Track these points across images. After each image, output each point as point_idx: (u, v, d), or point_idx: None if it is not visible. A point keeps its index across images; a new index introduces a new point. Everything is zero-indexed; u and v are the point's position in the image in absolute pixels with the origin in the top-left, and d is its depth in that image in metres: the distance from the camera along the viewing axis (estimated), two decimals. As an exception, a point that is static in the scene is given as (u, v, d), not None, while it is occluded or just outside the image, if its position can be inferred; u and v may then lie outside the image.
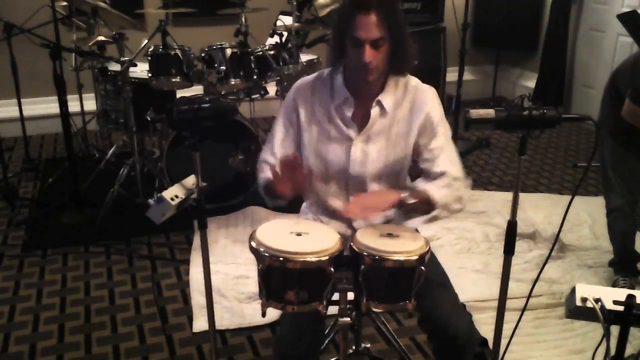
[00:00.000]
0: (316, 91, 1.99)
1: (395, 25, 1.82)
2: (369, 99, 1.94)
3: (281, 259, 1.60)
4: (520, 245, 3.33)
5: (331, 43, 1.96)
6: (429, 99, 1.95)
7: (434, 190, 1.85)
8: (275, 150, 2.00)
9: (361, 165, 1.96)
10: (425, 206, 1.85)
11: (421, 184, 1.90)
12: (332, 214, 2.04)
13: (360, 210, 1.79)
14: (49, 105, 4.72)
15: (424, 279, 1.68)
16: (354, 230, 1.89)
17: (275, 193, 1.86)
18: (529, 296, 1.90)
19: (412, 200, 1.82)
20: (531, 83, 5.90)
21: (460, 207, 1.91)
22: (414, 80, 1.99)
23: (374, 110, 1.94)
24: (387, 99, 1.94)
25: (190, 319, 2.77)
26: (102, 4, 3.72)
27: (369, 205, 1.80)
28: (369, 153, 1.95)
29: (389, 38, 1.82)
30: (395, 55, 1.86)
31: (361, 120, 1.96)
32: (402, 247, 1.67)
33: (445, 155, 1.93)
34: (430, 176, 1.93)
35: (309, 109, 1.98)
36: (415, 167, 2.02)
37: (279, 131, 2.01)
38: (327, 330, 2.21)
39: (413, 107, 1.95)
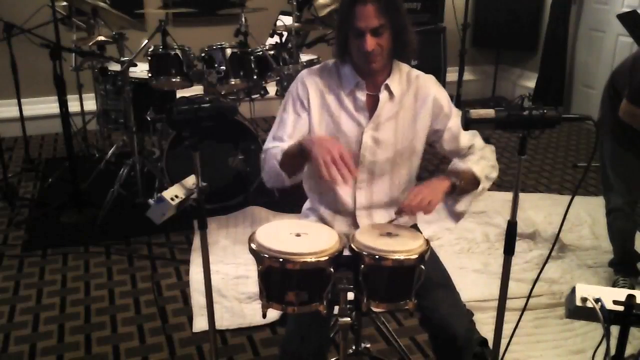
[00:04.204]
0: (324, 79, 2.00)
1: (395, 12, 1.85)
2: (377, 87, 1.97)
3: (281, 260, 1.60)
4: (520, 245, 3.33)
5: (335, 37, 1.99)
6: (431, 86, 2.01)
7: (474, 166, 1.95)
8: (291, 134, 1.94)
9: (372, 152, 1.98)
10: (471, 185, 1.94)
11: (460, 164, 1.98)
12: (337, 210, 2.05)
13: (422, 205, 1.80)
14: (49, 105, 4.73)
15: (425, 279, 1.68)
16: (357, 229, 1.90)
17: (298, 161, 1.83)
18: (529, 296, 1.90)
19: (461, 182, 1.89)
20: (531, 83, 5.90)
21: (496, 174, 2.03)
22: (415, 71, 2.03)
23: (383, 95, 1.96)
24: (394, 84, 1.97)
25: (190, 319, 2.77)
26: (102, 4, 3.72)
27: (428, 198, 1.80)
28: (379, 140, 1.97)
29: (390, 25, 1.84)
30: (397, 41, 1.89)
31: (370, 107, 1.98)
32: (401, 246, 1.67)
33: (464, 131, 1.98)
34: (460, 154, 2.03)
35: (320, 96, 1.98)
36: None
37: (290, 117, 1.97)
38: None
39: (417, 94, 1.99)
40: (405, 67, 2.02)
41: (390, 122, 1.97)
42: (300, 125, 1.97)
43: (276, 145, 1.92)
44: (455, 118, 2.01)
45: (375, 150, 1.98)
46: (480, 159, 1.99)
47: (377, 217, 2.04)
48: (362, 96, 1.97)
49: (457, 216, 2.01)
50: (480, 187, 1.97)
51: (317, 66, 2.05)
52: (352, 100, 1.97)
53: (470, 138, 2.02)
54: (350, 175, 1.70)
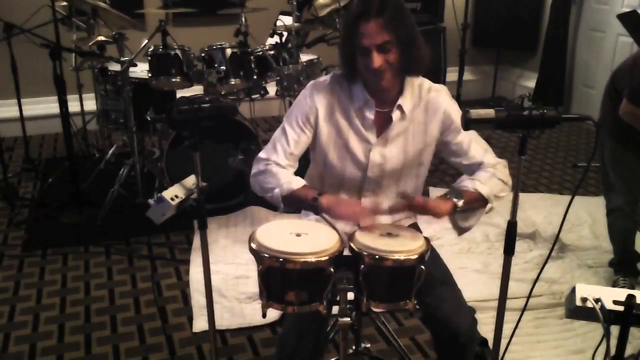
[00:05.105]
0: (335, 93, 1.97)
1: (402, 27, 1.81)
2: (388, 103, 1.94)
3: (281, 259, 1.60)
4: (520, 245, 3.33)
5: (341, 56, 1.94)
6: (442, 98, 1.97)
7: (481, 186, 1.90)
8: (290, 152, 1.95)
9: (379, 168, 1.97)
10: (478, 203, 1.91)
11: (468, 183, 1.93)
12: None
13: (426, 205, 1.84)
14: (49, 105, 4.73)
15: (427, 277, 1.68)
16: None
17: (298, 205, 1.91)
18: (529, 296, 1.90)
19: (463, 203, 1.87)
20: (531, 83, 5.90)
21: (508, 190, 1.97)
22: (427, 83, 2.00)
23: (395, 115, 1.94)
24: (406, 102, 1.94)
25: (190, 319, 2.77)
26: (102, 4, 3.72)
27: (430, 207, 1.84)
28: (388, 156, 1.96)
29: (397, 41, 1.80)
30: (407, 57, 1.85)
31: (380, 124, 1.95)
32: (401, 247, 1.67)
33: (476, 145, 1.98)
34: (469, 170, 1.99)
35: (329, 110, 1.96)
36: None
37: (293, 131, 1.96)
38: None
39: (428, 108, 1.96)
40: (417, 79, 1.98)
41: (399, 137, 1.96)
42: (301, 143, 1.97)
43: (278, 164, 1.94)
44: (465, 133, 1.96)
45: (383, 165, 1.97)
46: (491, 177, 1.93)
47: (381, 221, 2.04)
48: (370, 115, 1.94)
49: (461, 230, 2.00)
50: (488, 207, 1.94)
51: (328, 78, 2.01)
52: (360, 118, 1.95)
53: (482, 154, 1.97)
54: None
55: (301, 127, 1.96)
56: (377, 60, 1.80)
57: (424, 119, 1.96)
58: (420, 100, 1.96)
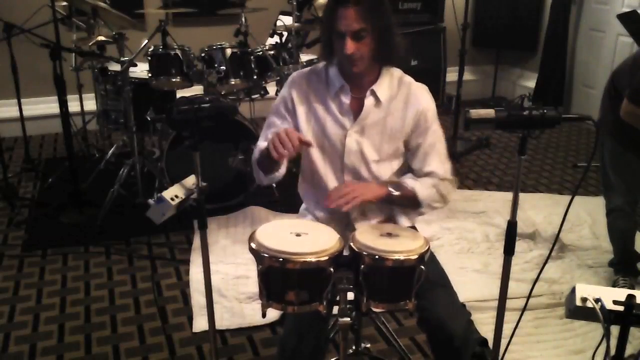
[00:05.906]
0: (311, 82, 2.01)
1: (378, 17, 1.84)
2: (364, 90, 1.96)
3: (281, 259, 1.60)
4: (520, 245, 3.33)
5: (321, 39, 2.00)
6: (423, 96, 1.98)
7: (420, 189, 1.94)
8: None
9: (356, 156, 1.98)
10: (410, 202, 1.95)
11: (409, 181, 1.96)
12: (332, 214, 2.05)
13: (346, 198, 1.82)
14: (49, 105, 4.73)
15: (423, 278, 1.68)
16: (353, 230, 1.90)
17: (268, 162, 1.90)
18: (529, 296, 1.90)
19: (398, 195, 1.91)
20: (531, 83, 5.90)
21: (442, 205, 2.01)
22: (407, 77, 2.02)
23: (368, 100, 1.96)
24: (381, 90, 1.96)
25: (190, 319, 2.77)
26: (102, 4, 3.72)
27: (354, 194, 1.82)
28: (364, 145, 1.97)
29: (373, 30, 1.84)
30: (382, 46, 1.88)
31: (357, 110, 1.97)
32: (401, 247, 1.67)
33: (435, 154, 1.98)
34: (418, 175, 2.00)
35: (305, 100, 2.00)
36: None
37: (275, 121, 2.03)
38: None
39: (408, 101, 1.97)
40: (397, 72, 2.00)
41: (376, 127, 1.96)
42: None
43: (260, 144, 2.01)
44: (431, 136, 1.96)
45: (360, 154, 1.98)
46: (431, 187, 1.95)
47: (371, 215, 2.05)
48: (346, 99, 1.97)
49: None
50: (420, 210, 1.98)
51: (307, 69, 2.06)
52: (337, 104, 1.98)
53: (437, 165, 1.97)
54: (297, 145, 1.75)
55: (282, 115, 2.02)
56: (351, 46, 1.83)
57: (402, 112, 1.96)
58: (399, 91, 1.97)
